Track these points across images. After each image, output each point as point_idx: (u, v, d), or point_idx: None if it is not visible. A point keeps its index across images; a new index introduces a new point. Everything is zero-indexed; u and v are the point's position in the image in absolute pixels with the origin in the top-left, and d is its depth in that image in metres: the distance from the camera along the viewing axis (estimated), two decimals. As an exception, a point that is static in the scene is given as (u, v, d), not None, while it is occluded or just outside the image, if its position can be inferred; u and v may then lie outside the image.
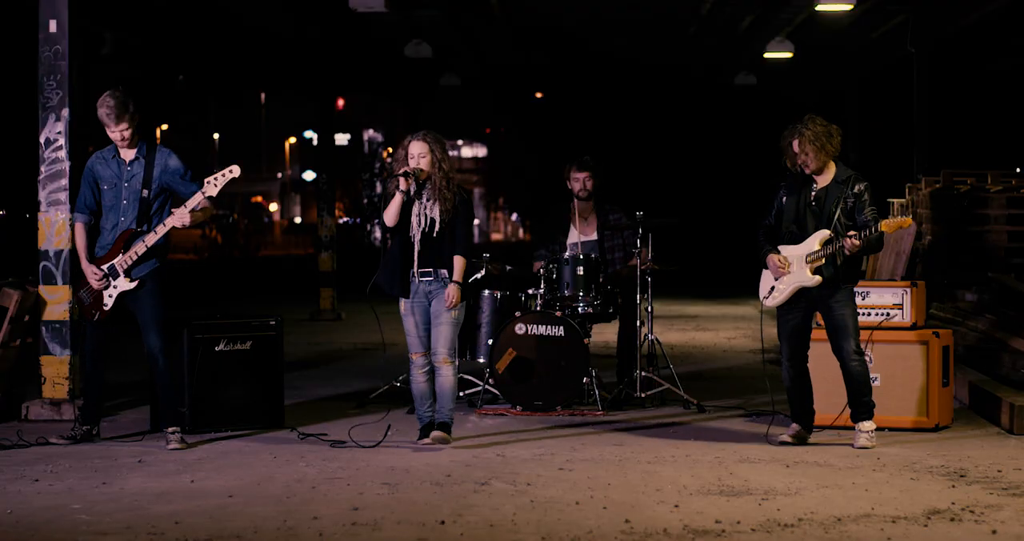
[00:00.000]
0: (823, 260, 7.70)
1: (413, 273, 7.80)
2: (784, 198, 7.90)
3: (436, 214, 7.75)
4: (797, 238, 7.82)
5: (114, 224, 7.92)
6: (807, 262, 7.72)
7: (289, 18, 17.82)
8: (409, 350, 7.86)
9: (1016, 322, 9.83)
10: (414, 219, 7.78)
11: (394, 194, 7.74)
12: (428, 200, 7.76)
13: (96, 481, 6.85)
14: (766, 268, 7.92)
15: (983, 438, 8.16)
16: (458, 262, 7.76)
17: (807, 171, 7.76)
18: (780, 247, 7.87)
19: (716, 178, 30.25)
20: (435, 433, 7.76)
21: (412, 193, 7.77)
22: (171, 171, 7.92)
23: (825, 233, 7.71)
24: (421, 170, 7.72)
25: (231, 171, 7.79)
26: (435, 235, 7.76)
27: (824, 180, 7.81)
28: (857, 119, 21.28)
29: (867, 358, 8.32)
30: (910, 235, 12.92)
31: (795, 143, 7.71)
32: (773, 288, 7.87)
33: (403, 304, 7.82)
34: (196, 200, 7.79)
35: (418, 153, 7.74)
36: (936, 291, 12.40)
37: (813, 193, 7.80)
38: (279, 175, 73.32)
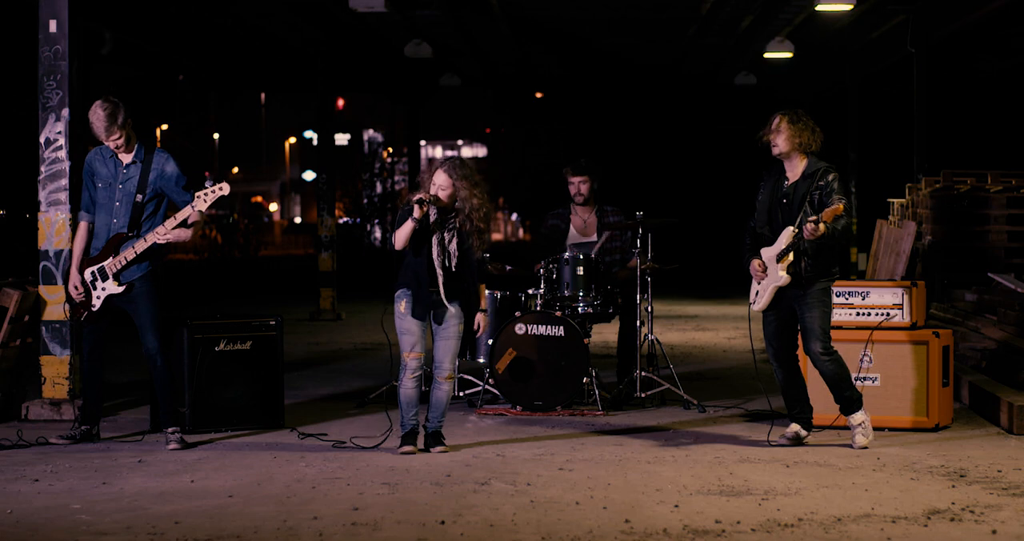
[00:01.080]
0: (791, 257, 7.68)
1: (434, 290, 7.63)
2: (760, 196, 7.89)
3: (453, 248, 7.65)
4: (770, 240, 7.81)
5: (106, 224, 7.91)
6: (777, 262, 7.72)
7: (289, 18, 17.82)
8: (404, 349, 7.66)
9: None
10: (435, 248, 7.63)
11: (406, 218, 7.57)
12: (448, 233, 7.64)
13: (96, 481, 6.85)
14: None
15: (983, 438, 8.16)
16: (482, 289, 7.85)
17: (774, 151, 7.72)
18: (762, 250, 7.86)
19: (716, 178, 30.23)
20: (437, 448, 7.67)
21: (431, 221, 7.63)
22: (167, 176, 7.91)
23: (790, 230, 7.68)
24: (438, 199, 7.61)
25: (221, 188, 7.75)
26: (454, 268, 7.67)
27: (794, 175, 7.77)
28: (857, 119, 21.28)
29: (867, 357, 8.34)
30: (910, 235, 12.92)
31: (775, 121, 7.71)
32: (757, 292, 7.88)
33: (403, 304, 7.66)
34: (185, 213, 7.77)
35: (439, 184, 7.64)
36: (936, 291, 12.41)
37: (783, 189, 7.78)
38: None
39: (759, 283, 7.84)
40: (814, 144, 7.73)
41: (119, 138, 7.83)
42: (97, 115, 7.78)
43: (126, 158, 7.93)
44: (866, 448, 7.68)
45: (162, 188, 7.91)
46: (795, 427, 7.91)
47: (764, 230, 7.85)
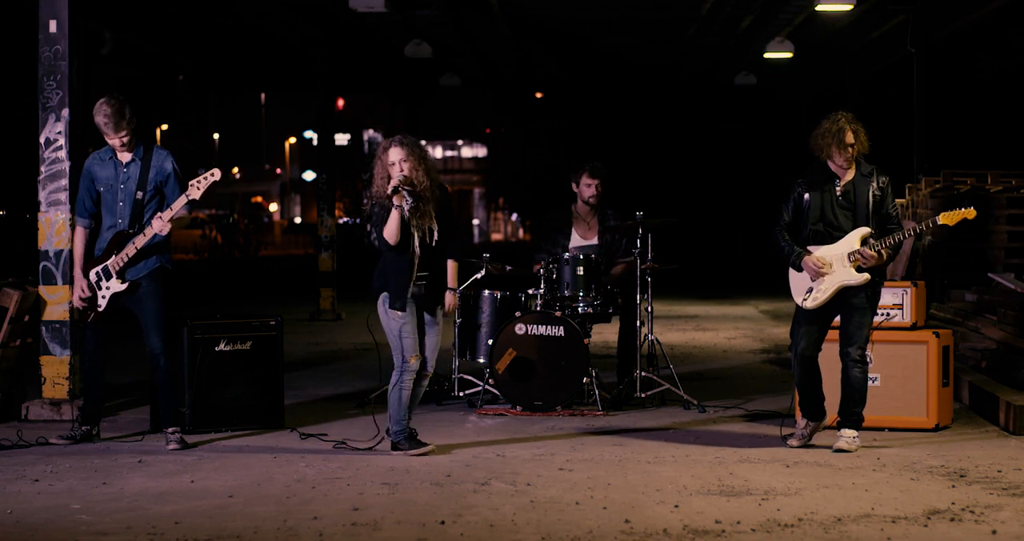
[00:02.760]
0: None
1: (423, 280, 7.54)
2: (806, 195, 7.80)
3: (434, 223, 7.53)
4: (825, 237, 7.74)
5: (111, 225, 7.93)
6: (851, 261, 7.66)
7: (289, 18, 17.83)
8: (408, 353, 7.54)
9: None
10: (415, 232, 7.49)
11: (387, 211, 7.41)
12: (422, 210, 7.50)
13: (96, 481, 6.86)
14: (797, 270, 7.82)
15: (983, 438, 8.16)
16: (452, 267, 7.69)
17: (845, 164, 7.70)
18: (810, 247, 7.78)
19: (716, 178, 30.24)
20: (432, 447, 7.63)
21: (406, 208, 7.46)
22: (166, 173, 7.93)
23: (865, 230, 7.66)
24: (408, 179, 7.40)
25: (212, 174, 7.80)
26: (435, 244, 7.57)
27: (849, 175, 7.75)
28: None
29: (868, 357, 8.32)
30: (910, 235, 12.91)
31: (849, 135, 7.65)
32: (811, 289, 7.75)
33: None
34: (180, 203, 7.78)
35: (399, 159, 7.40)
36: (936, 291, 12.41)
37: (839, 188, 7.74)
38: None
39: (813, 280, 7.78)
40: (866, 144, 7.75)
41: (125, 135, 7.83)
42: (104, 112, 7.77)
43: (125, 157, 7.93)
44: (843, 451, 7.61)
45: (160, 185, 7.92)
46: (803, 422, 7.86)
47: (818, 226, 7.78)
